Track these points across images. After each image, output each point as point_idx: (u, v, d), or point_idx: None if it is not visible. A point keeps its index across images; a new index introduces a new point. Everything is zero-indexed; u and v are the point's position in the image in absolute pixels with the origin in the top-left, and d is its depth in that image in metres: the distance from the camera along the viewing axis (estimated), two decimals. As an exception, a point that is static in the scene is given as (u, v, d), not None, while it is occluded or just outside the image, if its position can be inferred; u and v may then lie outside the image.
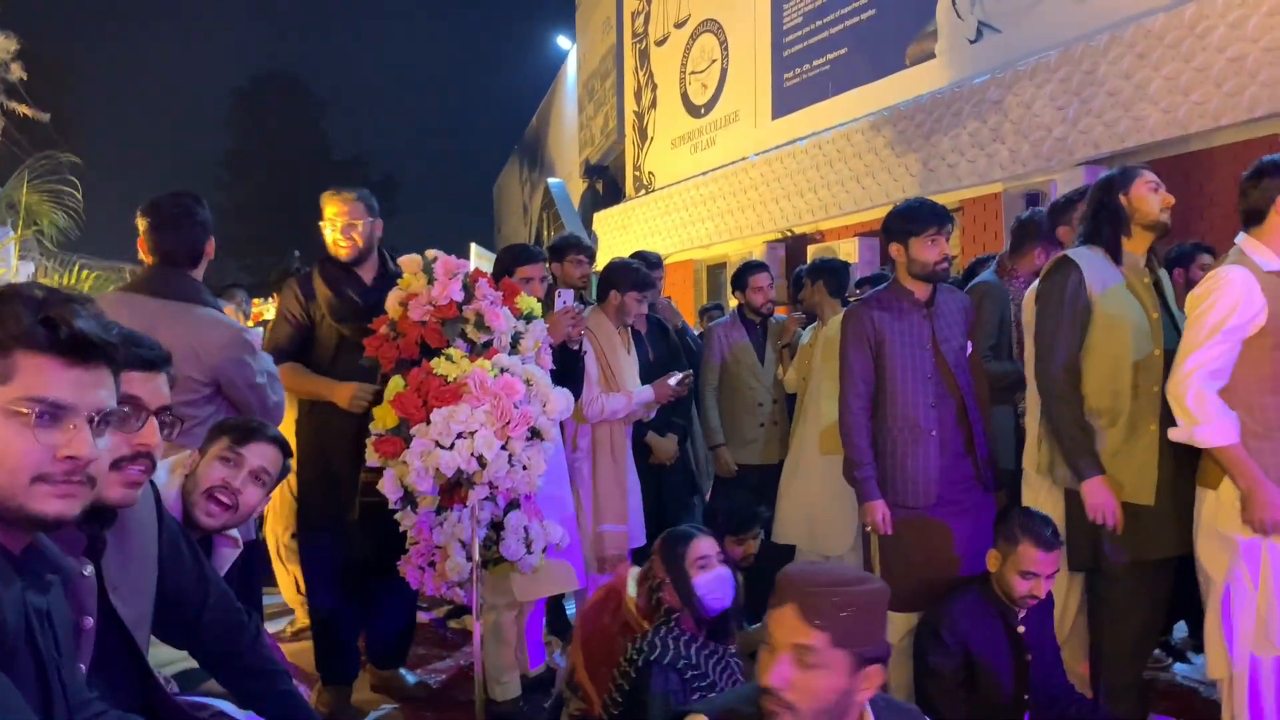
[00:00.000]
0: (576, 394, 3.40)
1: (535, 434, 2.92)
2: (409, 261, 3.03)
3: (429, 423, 2.78)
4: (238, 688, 1.91)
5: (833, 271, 4.22)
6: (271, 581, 4.37)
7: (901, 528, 2.96)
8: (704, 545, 2.55)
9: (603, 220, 13.52)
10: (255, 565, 2.77)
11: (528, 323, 3.08)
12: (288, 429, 3.01)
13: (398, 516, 2.92)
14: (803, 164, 9.00)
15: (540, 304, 3.23)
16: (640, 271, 3.84)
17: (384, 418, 2.88)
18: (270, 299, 6.34)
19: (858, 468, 3.00)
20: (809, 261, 5.85)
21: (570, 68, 17.55)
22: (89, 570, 1.47)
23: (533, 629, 3.62)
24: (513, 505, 2.95)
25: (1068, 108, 6.17)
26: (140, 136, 38.04)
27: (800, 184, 9.02)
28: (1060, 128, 6.22)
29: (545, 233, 16.63)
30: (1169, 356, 2.66)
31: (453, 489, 2.85)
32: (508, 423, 2.80)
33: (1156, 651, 3.56)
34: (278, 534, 4.24)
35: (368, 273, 3.35)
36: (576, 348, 3.50)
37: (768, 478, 4.21)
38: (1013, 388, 3.45)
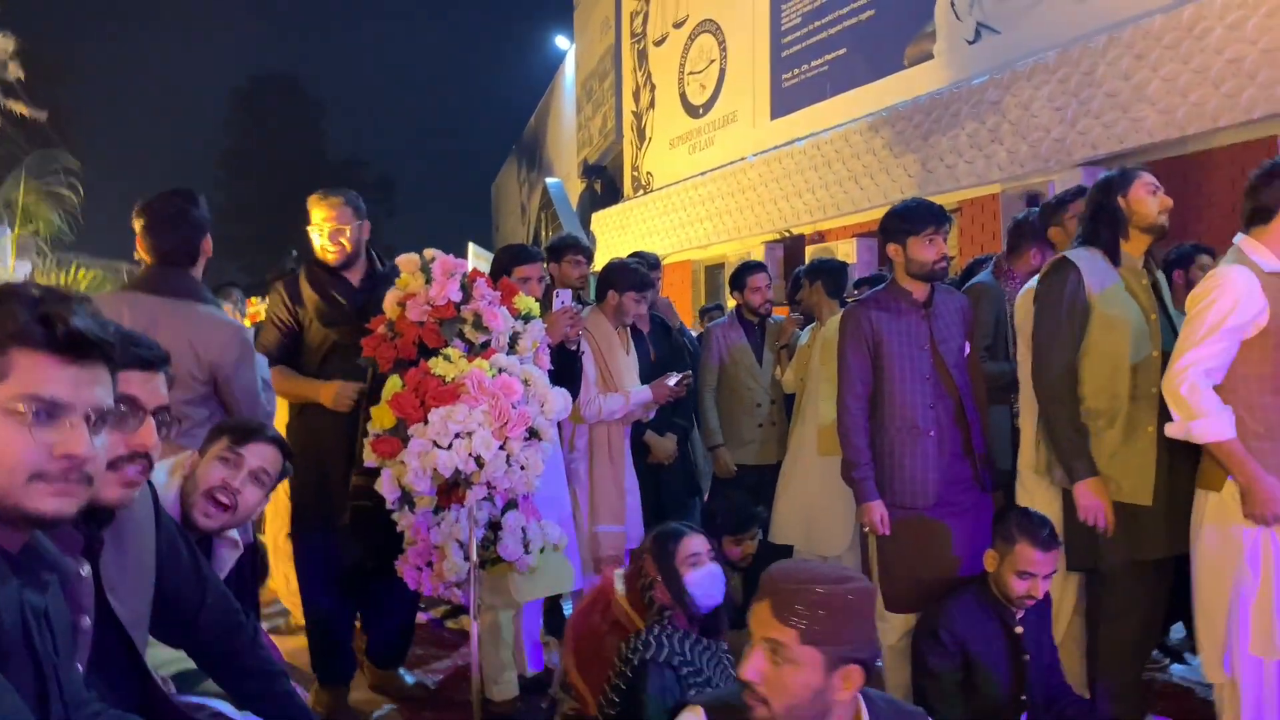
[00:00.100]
0: (574, 394, 3.40)
1: (533, 434, 2.92)
2: (407, 261, 3.03)
3: (427, 423, 2.77)
4: (235, 688, 1.91)
5: (831, 272, 4.22)
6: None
7: (899, 528, 2.96)
8: (694, 543, 2.55)
9: (601, 220, 13.52)
10: (253, 567, 2.77)
11: (526, 323, 3.07)
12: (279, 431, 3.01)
13: (395, 517, 2.92)
14: (801, 165, 9.00)
15: (538, 304, 3.23)
16: (639, 272, 3.83)
17: (381, 418, 2.88)
18: (266, 299, 6.34)
19: (856, 468, 3.00)
20: (807, 262, 5.85)
21: (568, 68, 17.54)
22: (86, 570, 1.47)
23: (530, 630, 3.62)
24: (510, 505, 2.95)
25: (1066, 109, 6.17)
26: (139, 136, 38.04)
27: (798, 184, 9.02)
28: (1058, 129, 6.23)
29: (543, 233, 16.63)
30: (1167, 358, 2.66)
31: (450, 489, 2.85)
32: (506, 423, 2.80)
33: (1154, 652, 3.57)
34: (274, 533, 4.24)
35: (355, 274, 3.34)
36: (574, 348, 3.50)
37: (766, 478, 4.21)
38: (1009, 388, 3.46)
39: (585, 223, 14.26)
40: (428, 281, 2.96)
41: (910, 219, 2.99)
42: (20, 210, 6.82)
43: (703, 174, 10.94)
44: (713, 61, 11.29)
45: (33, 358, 1.17)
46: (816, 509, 3.85)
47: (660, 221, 11.66)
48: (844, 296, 4.22)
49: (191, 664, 1.99)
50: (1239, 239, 2.58)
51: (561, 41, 18.45)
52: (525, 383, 2.91)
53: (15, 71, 7.81)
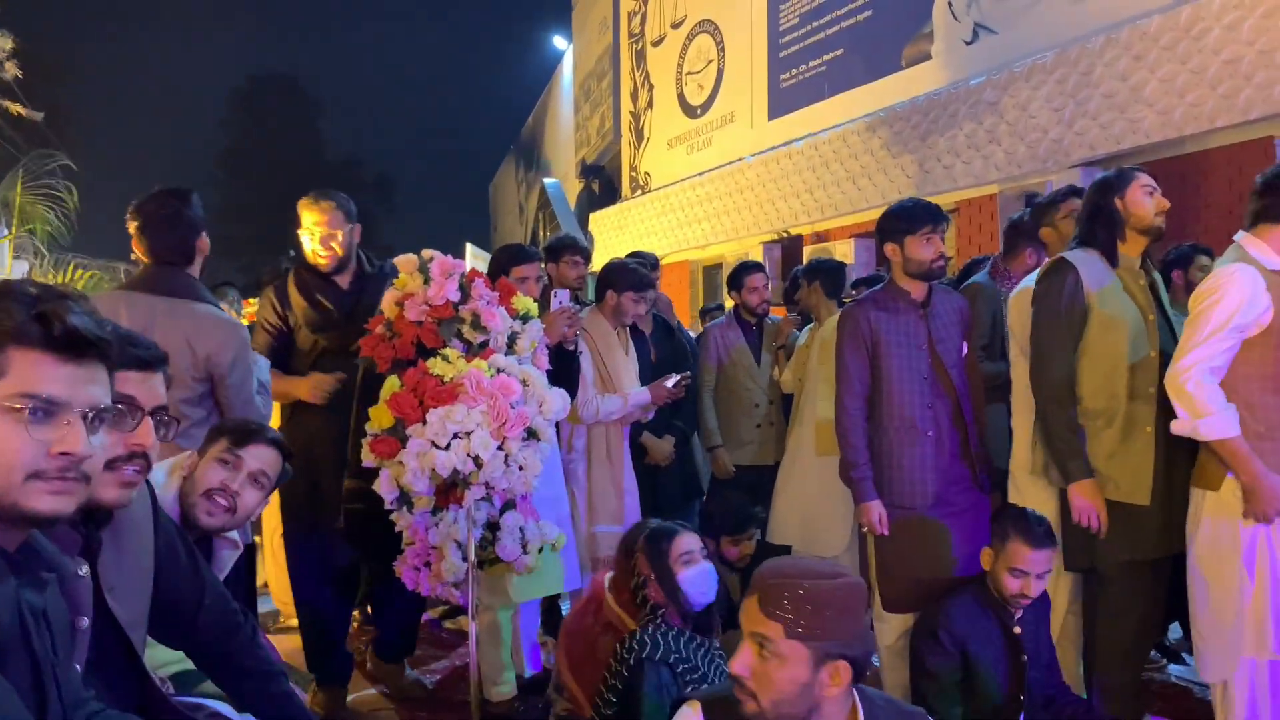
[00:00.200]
0: (572, 395, 3.40)
1: (531, 434, 2.91)
2: (405, 261, 3.03)
3: (425, 423, 2.77)
4: (234, 689, 1.91)
5: (829, 272, 4.22)
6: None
7: (898, 528, 2.96)
8: (687, 541, 2.55)
9: (599, 220, 13.52)
10: (251, 567, 2.77)
11: (524, 323, 3.07)
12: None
13: (393, 517, 2.92)
14: (799, 165, 9.01)
15: (536, 304, 3.22)
16: (638, 272, 3.82)
17: (380, 418, 2.88)
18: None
19: (854, 468, 3.00)
20: (805, 262, 5.85)
21: (566, 68, 17.54)
22: (85, 570, 1.47)
23: (528, 630, 3.62)
24: (509, 506, 2.95)
25: (1063, 109, 6.18)
26: (138, 136, 37.99)
27: (796, 185, 9.03)
28: (1056, 129, 6.23)
29: (541, 233, 16.62)
30: (1165, 358, 2.66)
31: (449, 489, 2.84)
32: (504, 423, 2.80)
33: (1152, 652, 3.57)
34: (270, 532, 4.25)
35: (345, 278, 3.34)
36: (572, 348, 3.50)
37: (764, 479, 4.21)
38: (1006, 387, 3.45)
39: (583, 223, 14.26)
40: (426, 282, 2.95)
41: (907, 218, 2.99)
42: (17, 210, 6.81)
43: (700, 174, 10.95)
44: (711, 62, 11.29)
45: (30, 356, 1.17)
46: (815, 509, 3.85)
47: (658, 222, 11.66)
48: (842, 297, 4.22)
49: (190, 664, 1.99)
50: (1240, 236, 2.57)
51: (559, 42, 18.45)
52: (523, 383, 2.91)
53: (13, 71, 7.80)
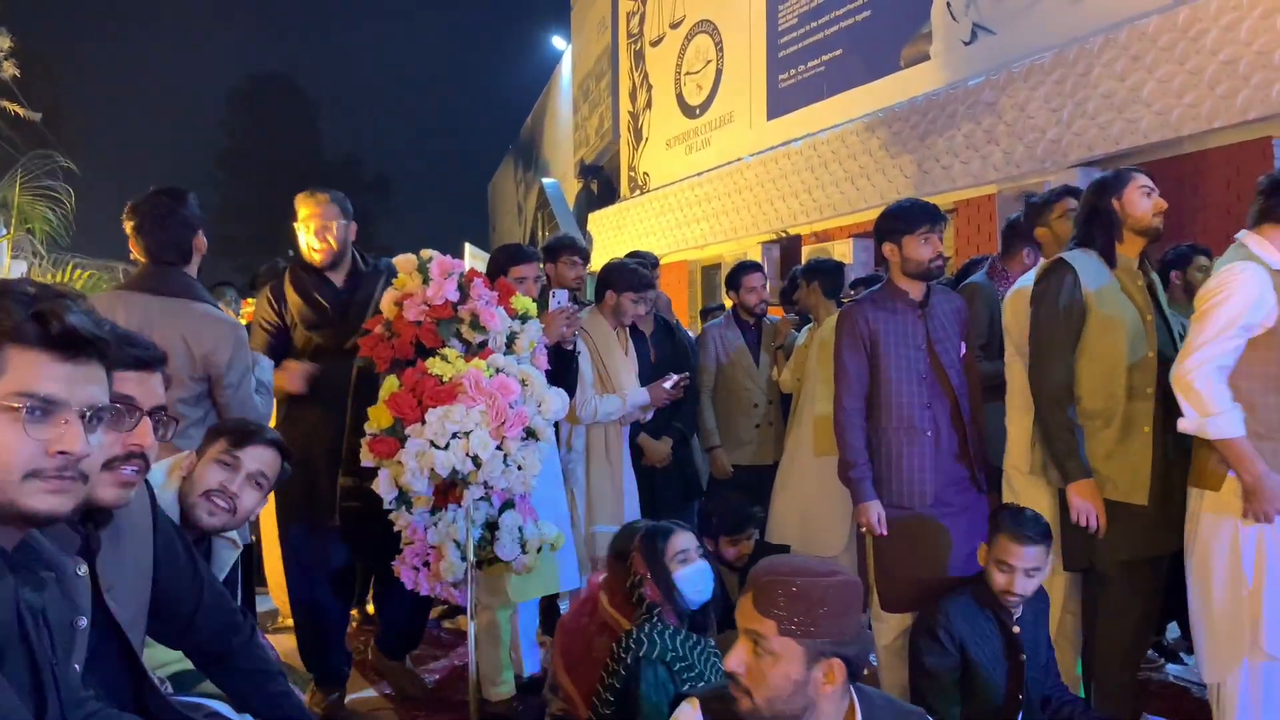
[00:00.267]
0: (571, 395, 3.40)
1: (530, 434, 2.92)
2: (404, 261, 3.03)
3: (424, 423, 2.77)
4: (232, 689, 1.91)
5: (828, 272, 4.22)
6: (262, 581, 4.37)
7: (896, 528, 2.96)
8: (683, 539, 2.55)
9: (597, 221, 13.52)
10: (250, 566, 2.77)
11: (523, 323, 3.07)
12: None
13: (392, 517, 2.92)
14: (798, 165, 9.01)
15: (535, 304, 3.23)
16: (638, 272, 3.82)
17: (379, 418, 2.88)
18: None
19: (853, 468, 3.00)
20: (804, 262, 5.85)
21: (565, 68, 17.54)
22: (83, 570, 1.47)
23: (526, 630, 3.62)
24: (507, 505, 2.95)
25: (1061, 110, 6.18)
26: (136, 135, 37.92)
27: (795, 185, 9.03)
28: (1054, 129, 6.24)
29: (540, 233, 16.62)
30: (1163, 359, 2.67)
31: (447, 489, 2.85)
32: (503, 423, 2.80)
33: (1150, 652, 3.57)
34: (267, 530, 4.24)
35: (339, 276, 3.34)
36: (570, 348, 3.50)
37: (763, 479, 4.20)
38: (1004, 386, 3.46)
39: (582, 223, 14.26)
40: (425, 281, 2.96)
41: (905, 218, 3.00)
42: (15, 210, 6.80)
43: (699, 174, 10.95)
44: (709, 62, 11.29)
45: (27, 355, 1.17)
46: (813, 509, 3.85)
47: (657, 222, 11.66)
48: (840, 297, 4.22)
49: (189, 664, 1.99)
50: (1243, 235, 2.56)
51: (558, 42, 18.44)
52: (522, 383, 2.91)
53: (11, 70, 7.80)
